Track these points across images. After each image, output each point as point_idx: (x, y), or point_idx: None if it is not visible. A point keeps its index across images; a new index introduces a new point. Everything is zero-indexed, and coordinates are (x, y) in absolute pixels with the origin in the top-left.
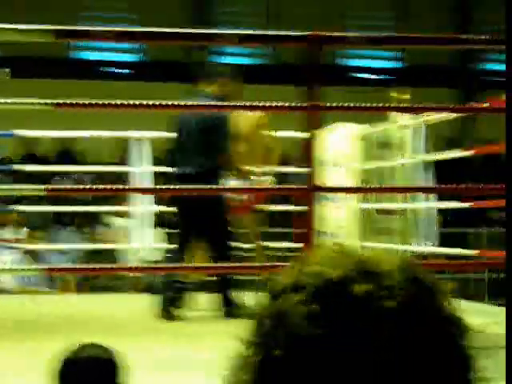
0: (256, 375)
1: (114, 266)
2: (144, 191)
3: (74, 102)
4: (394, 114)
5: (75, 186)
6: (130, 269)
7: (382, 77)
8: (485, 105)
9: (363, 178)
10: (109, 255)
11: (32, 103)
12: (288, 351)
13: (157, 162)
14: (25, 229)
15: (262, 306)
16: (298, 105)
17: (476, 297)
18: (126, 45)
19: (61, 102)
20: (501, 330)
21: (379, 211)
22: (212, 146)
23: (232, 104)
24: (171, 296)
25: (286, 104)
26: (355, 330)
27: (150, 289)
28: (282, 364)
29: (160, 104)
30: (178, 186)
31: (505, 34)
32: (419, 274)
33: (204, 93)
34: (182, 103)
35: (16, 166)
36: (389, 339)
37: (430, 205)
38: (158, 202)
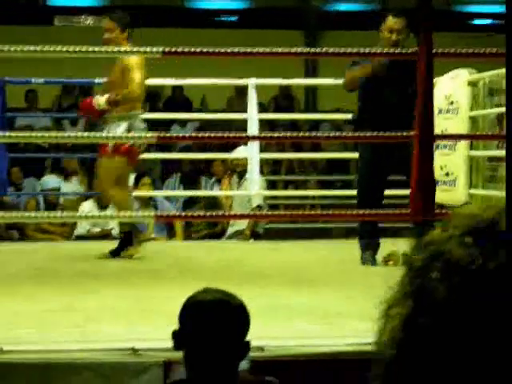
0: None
1: (225, 213)
2: (258, 139)
3: (179, 49)
4: None
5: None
6: (240, 216)
7: (492, 22)
8: None
9: (472, 124)
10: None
11: (140, 51)
12: (445, 279)
13: (261, 108)
14: (132, 175)
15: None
16: (410, 51)
17: None
18: None
19: (167, 49)
20: None
21: (490, 159)
22: None
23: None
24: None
25: (397, 51)
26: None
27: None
28: (438, 289)
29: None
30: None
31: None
32: None
33: None
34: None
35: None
36: None
37: None
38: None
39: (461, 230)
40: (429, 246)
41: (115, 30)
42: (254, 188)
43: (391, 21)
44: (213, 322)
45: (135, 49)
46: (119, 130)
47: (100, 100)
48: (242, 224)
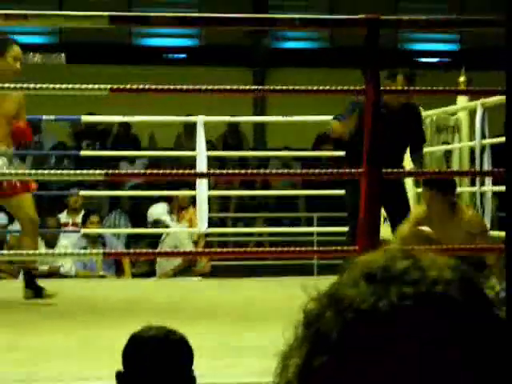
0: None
1: (174, 250)
2: (206, 176)
3: (127, 86)
4: (460, 98)
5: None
6: (190, 253)
7: (438, 60)
8: None
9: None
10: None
11: (88, 88)
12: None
13: (210, 146)
14: (82, 212)
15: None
16: (357, 88)
17: None
18: (181, 30)
19: (114, 86)
20: None
21: None
22: None
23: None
24: None
25: (345, 87)
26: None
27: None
28: (332, 331)
29: (219, 89)
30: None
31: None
32: (472, 276)
33: None
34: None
35: (83, 152)
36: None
37: (486, 188)
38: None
39: (356, 275)
40: (324, 293)
41: None
42: (203, 225)
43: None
44: (155, 357)
45: (83, 86)
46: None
47: None
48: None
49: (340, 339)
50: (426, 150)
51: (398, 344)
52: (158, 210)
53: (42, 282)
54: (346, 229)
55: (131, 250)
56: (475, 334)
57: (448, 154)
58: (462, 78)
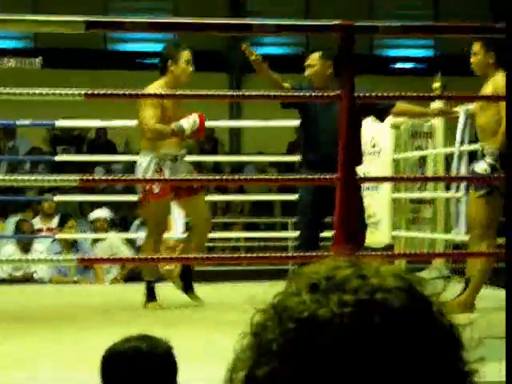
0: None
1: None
2: (184, 181)
3: (102, 92)
4: (434, 103)
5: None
6: (170, 259)
7: (415, 65)
8: None
9: (395, 167)
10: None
11: (62, 93)
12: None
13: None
14: (56, 218)
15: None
16: (332, 94)
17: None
18: (157, 35)
19: (89, 92)
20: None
21: (412, 200)
22: None
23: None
24: None
25: (320, 94)
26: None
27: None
28: (275, 340)
29: (196, 94)
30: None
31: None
32: (416, 284)
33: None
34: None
35: (58, 157)
36: (380, 343)
37: (460, 194)
38: None
39: (300, 285)
40: (270, 304)
41: None
42: (178, 230)
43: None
44: (137, 374)
45: (57, 91)
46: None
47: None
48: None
49: (281, 348)
50: (400, 155)
51: (338, 350)
52: (100, 214)
53: (16, 288)
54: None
55: (106, 257)
56: (413, 340)
57: (422, 159)
58: (436, 84)
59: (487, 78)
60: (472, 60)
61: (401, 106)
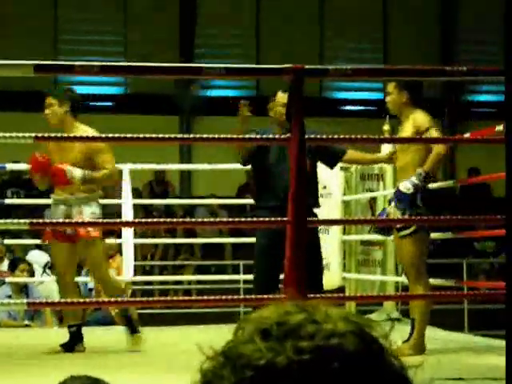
0: None
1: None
2: (135, 225)
3: (52, 135)
4: (384, 146)
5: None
6: (116, 302)
7: (364, 108)
8: (466, 135)
9: (345, 209)
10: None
11: (12, 136)
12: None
13: (136, 194)
14: (6, 261)
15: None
16: (282, 137)
17: (455, 327)
18: (108, 78)
19: (39, 135)
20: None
21: (362, 242)
22: None
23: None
24: None
25: (271, 136)
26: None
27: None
28: None
29: (144, 137)
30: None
31: (504, 43)
32: (365, 327)
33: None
34: (167, 136)
35: (8, 200)
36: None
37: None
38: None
39: (250, 332)
40: (220, 352)
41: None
42: (129, 274)
43: (282, 96)
44: None
45: (7, 134)
46: (91, 210)
47: (75, 172)
48: None
49: None
50: (351, 197)
51: None
52: (37, 258)
53: None
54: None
55: (55, 300)
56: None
57: (372, 201)
58: (386, 127)
59: (402, 116)
60: (387, 99)
61: (352, 153)
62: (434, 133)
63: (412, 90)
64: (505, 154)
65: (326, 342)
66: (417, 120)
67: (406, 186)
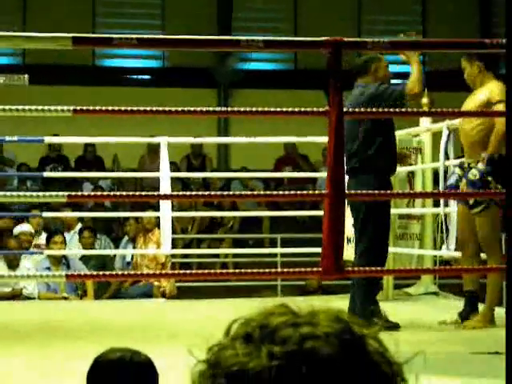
0: None
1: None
2: (173, 197)
3: (90, 108)
4: (423, 119)
5: (98, 193)
6: (154, 275)
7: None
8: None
9: None
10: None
11: (50, 110)
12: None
13: (174, 167)
14: (43, 234)
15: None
16: (320, 110)
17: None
18: (145, 51)
19: (78, 108)
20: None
21: (400, 216)
22: None
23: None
24: None
25: (308, 109)
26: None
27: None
28: None
29: (182, 110)
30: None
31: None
32: (354, 325)
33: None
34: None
35: (45, 173)
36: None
37: (449, 210)
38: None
39: (235, 335)
40: (208, 355)
41: None
42: (167, 247)
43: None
44: (121, 380)
45: (46, 107)
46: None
47: None
48: None
49: None
50: None
51: None
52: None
53: (4, 305)
54: (309, 249)
55: (95, 272)
56: None
57: (411, 175)
58: (425, 100)
59: (477, 86)
60: (464, 76)
61: (408, 86)
62: (501, 107)
63: (483, 58)
64: None
65: (298, 346)
66: (492, 91)
67: (473, 173)
